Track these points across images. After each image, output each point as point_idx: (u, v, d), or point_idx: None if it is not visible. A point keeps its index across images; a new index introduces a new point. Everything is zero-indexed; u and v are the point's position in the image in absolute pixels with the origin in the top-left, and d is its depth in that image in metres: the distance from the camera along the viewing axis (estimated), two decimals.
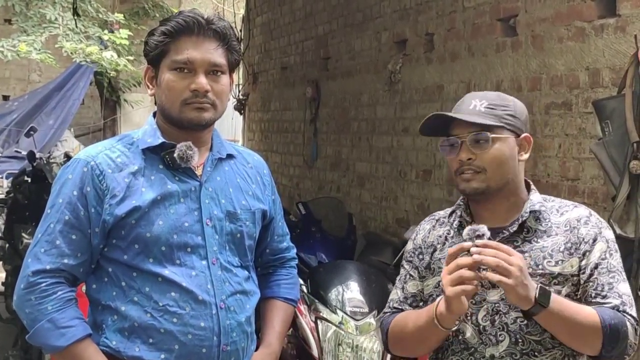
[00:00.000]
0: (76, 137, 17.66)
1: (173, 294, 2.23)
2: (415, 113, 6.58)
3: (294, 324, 3.79)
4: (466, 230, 2.10)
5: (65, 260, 2.23)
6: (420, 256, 2.38)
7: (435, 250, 2.33)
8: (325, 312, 3.69)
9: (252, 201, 2.44)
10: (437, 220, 2.39)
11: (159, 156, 2.31)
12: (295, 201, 7.70)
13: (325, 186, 8.49)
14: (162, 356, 2.22)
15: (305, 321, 3.71)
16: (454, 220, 2.33)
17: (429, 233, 2.38)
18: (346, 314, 3.67)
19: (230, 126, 14.89)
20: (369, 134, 7.48)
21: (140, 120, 19.12)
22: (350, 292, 3.77)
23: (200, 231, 2.27)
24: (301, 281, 3.92)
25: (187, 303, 2.23)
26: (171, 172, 2.30)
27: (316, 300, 3.74)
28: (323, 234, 6.45)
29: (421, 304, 2.32)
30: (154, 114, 2.42)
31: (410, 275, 2.37)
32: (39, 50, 13.44)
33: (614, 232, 3.87)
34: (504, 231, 2.22)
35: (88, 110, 18.75)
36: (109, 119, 18.51)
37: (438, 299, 2.15)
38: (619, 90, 4.01)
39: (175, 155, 2.28)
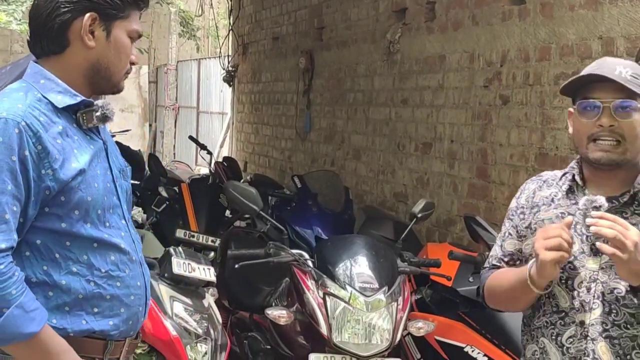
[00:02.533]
0: None
1: (112, 257, 2.16)
2: (415, 84, 6.43)
3: (301, 300, 3.65)
4: (583, 200, 2.15)
5: (15, 236, 2.02)
6: (522, 215, 2.35)
7: (539, 210, 2.31)
8: (333, 288, 3.55)
9: (120, 157, 2.38)
10: (544, 182, 2.36)
11: (70, 115, 2.15)
12: (288, 175, 7.54)
13: (319, 159, 8.34)
14: (111, 322, 2.16)
15: (313, 297, 3.57)
16: (563, 184, 2.30)
17: (534, 193, 2.35)
18: (355, 289, 3.53)
19: (218, 99, 14.67)
20: (366, 105, 7.32)
21: (124, 93, 18.86)
22: (359, 267, 3.62)
23: (115, 190, 2.22)
24: (306, 255, 3.78)
25: (126, 265, 2.20)
26: (83, 131, 2.18)
27: (324, 276, 3.60)
28: (319, 208, 6.32)
29: (518, 262, 2.35)
30: (37, 68, 2.18)
31: (510, 233, 2.37)
32: (20, 20, 13.14)
33: None
34: (614, 201, 2.19)
35: None
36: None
37: (532, 260, 2.16)
38: (635, 60, 3.87)
39: (98, 114, 2.17)
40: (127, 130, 13.00)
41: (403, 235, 4.07)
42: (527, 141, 5.00)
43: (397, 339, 3.55)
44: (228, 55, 11.70)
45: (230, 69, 11.55)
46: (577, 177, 2.27)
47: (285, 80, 9.43)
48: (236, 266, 3.70)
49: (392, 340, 3.51)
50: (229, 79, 11.64)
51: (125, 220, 2.25)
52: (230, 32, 11.59)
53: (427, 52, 6.23)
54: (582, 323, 2.17)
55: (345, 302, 3.50)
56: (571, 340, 2.18)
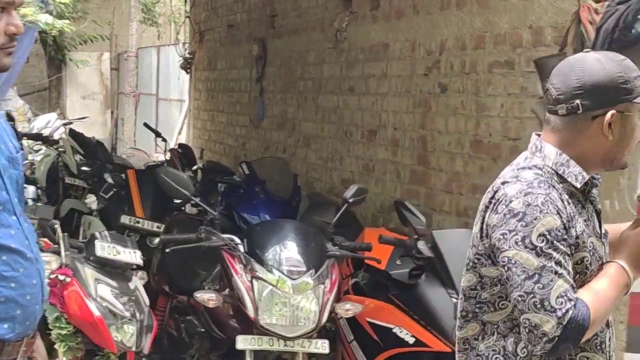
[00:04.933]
0: (20, 96, 17.26)
1: (4, 257, 2.06)
2: (361, 72, 6.51)
3: (230, 283, 3.73)
4: None
5: None
6: (570, 230, 2.07)
7: (574, 220, 2.07)
8: (261, 272, 3.63)
9: (14, 142, 2.21)
10: (553, 187, 2.06)
11: None
12: (241, 161, 7.60)
13: (272, 146, 8.40)
14: (6, 325, 2.08)
15: (241, 281, 3.65)
16: (564, 186, 2.10)
17: (562, 203, 2.06)
18: (283, 273, 3.62)
19: (176, 85, 14.66)
20: (315, 93, 7.39)
21: (85, 80, 18.77)
22: (287, 251, 3.71)
23: (3, 185, 2.08)
24: (238, 240, 3.85)
25: (20, 264, 2.09)
26: None
27: (252, 260, 3.68)
28: (267, 195, 6.39)
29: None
30: None
31: (568, 255, 2.04)
32: None
33: None
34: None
35: (33, 69, 18.29)
36: (54, 78, 18.11)
37: (612, 266, 2.07)
38: (560, 48, 3.98)
39: None
40: (84, 118, 12.99)
41: (334, 220, 4.16)
42: (463, 128, 5.11)
43: (323, 320, 3.65)
44: (184, 43, 11.69)
45: (187, 56, 11.56)
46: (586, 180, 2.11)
47: (239, 68, 9.47)
48: (167, 250, 3.76)
49: (319, 321, 3.60)
50: (186, 66, 11.64)
51: (17, 216, 2.11)
52: (187, 19, 11.59)
53: (372, 40, 6.31)
54: (607, 323, 2.18)
55: (272, 285, 3.59)
56: (609, 343, 2.19)
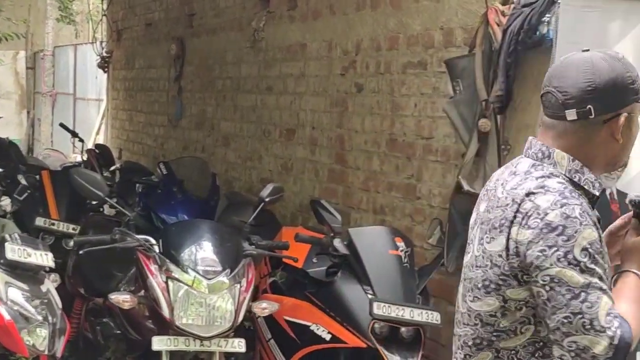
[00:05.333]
0: None
1: None
2: (279, 72, 6.54)
3: (145, 284, 3.71)
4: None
5: None
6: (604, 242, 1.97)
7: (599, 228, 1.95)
8: (176, 272, 3.63)
9: None
10: (580, 195, 1.93)
11: None
12: (159, 161, 7.53)
13: (190, 146, 8.36)
14: None
15: (156, 281, 3.64)
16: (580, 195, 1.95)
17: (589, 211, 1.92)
18: (198, 273, 3.62)
19: (94, 85, 14.42)
20: (234, 92, 7.39)
21: (0, 79, 18.27)
22: (203, 251, 3.71)
23: None
24: (153, 240, 3.83)
25: None
26: None
27: (167, 260, 3.67)
28: (185, 195, 6.36)
29: None
30: None
31: (605, 269, 1.89)
32: None
33: (462, 188, 4.00)
34: None
35: None
36: None
37: (628, 276, 1.94)
38: (469, 49, 4.09)
39: None
40: None
41: (251, 219, 4.18)
42: (379, 127, 5.18)
43: (239, 319, 3.66)
44: (102, 42, 11.52)
45: (104, 55, 11.39)
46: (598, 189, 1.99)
47: (157, 67, 9.38)
48: (81, 252, 3.72)
49: (235, 321, 3.62)
50: (104, 65, 11.48)
51: None
52: (105, 17, 11.41)
53: (290, 40, 6.35)
54: None
55: (188, 285, 3.58)
56: None
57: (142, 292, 3.79)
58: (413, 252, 4.04)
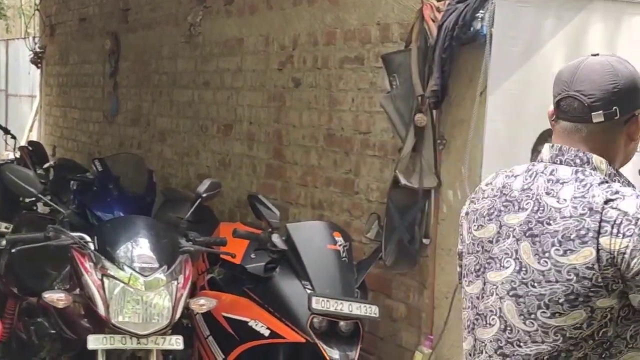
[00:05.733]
0: None
1: None
2: (216, 67, 6.50)
3: (81, 282, 3.65)
4: None
5: None
6: None
7: None
8: (112, 269, 3.57)
9: None
10: None
11: None
12: (94, 158, 7.41)
13: (126, 142, 8.25)
14: None
15: (91, 279, 3.58)
16: None
17: None
18: (134, 270, 3.57)
19: (27, 81, 14.11)
20: (170, 88, 7.32)
21: None
22: (139, 248, 3.66)
23: None
24: (88, 238, 3.77)
25: None
26: None
27: (103, 258, 3.61)
28: (121, 192, 6.25)
29: None
30: None
31: None
32: None
33: (399, 182, 4.03)
34: None
35: None
36: None
37: None
38: (405, 45, 4.12)
39: None
40: None
41: (188, 215, 4.14)
42: (317, 122, 5.19)
43: (177, 316, 3.62)
44: (34, 37, 11.28)
45: (37, 50, 11.15)
46: None
47: (92, 62, 9.23)
48: (13, 250, 3.64)
49: (172, 318, 3.58)
50: (37, 60, 11.24)
51: None
52: (37, 12, 11.17)
53: (227, 35, 6.31)
54: None
55: (124, 282, 3.54)
56: None
57: (77, 291, 3.72)
58: (351, 247, 4.06)
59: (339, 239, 3.98)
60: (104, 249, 3.65)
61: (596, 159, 1.94)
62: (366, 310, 3.80)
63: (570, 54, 3.48)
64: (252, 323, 3.96)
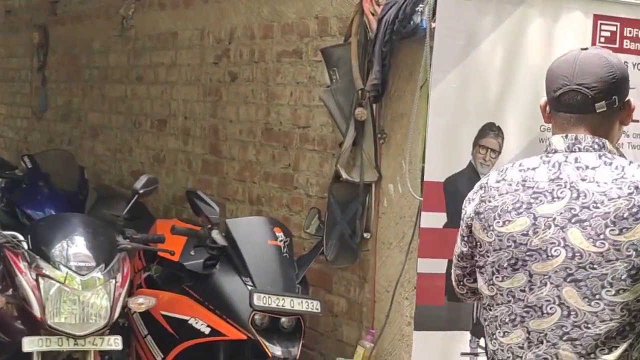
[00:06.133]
0: None
1: None
2: (149, 61, 6.40)
3: (14, 283, 3.53)
4: None
5: None
6: None
7: None
8: (47, 269, 3.47)
9: None
10: None
11: None
12: (23, 155, 7.22)
13: (56, 138, 8.06)
14: None
15: (26, 279, 3.47)
16: None
17: None
18: (71, 269, 3.48)
19: None
20: (101, 82, 7.17)
21: None
22: (75, 246, 3.57)
23: None
24: (21, 237, 3.65)
25: None
26: None
27: (37, 257, 3.50)
28: (52, 189, 6.14)
29: None
30: None
31: None
32: None
33: (340, 177, 4.01)
34: None
35: None
36: None
37: None
38: (345, 38, 4.09)
39: None
40: None
41: (124, 212, 4.05)
42: (254, 117, 5.14)
43: (115, 316, 3.54)
44: None
45: None
46: None
47: (19, 56, 8.98)
48: None
49: (110, 317, 3.50)
50: None
51: None
52: None
53: (160, 28, 6.21)
54: None
55: (60, 282, 3.44)
56: None
57: (10, 291, 3.60)
58: (292, 242, 4.03)
59: (280, 235, 3.95)
60: (38, 248, 3.54)
61: (608, 144, 2.06)
62: (308, 305, 3.78)
63: (511, 48, 3.53)
64: (192, 321, 3.90)
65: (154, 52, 6.32)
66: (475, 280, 2.23)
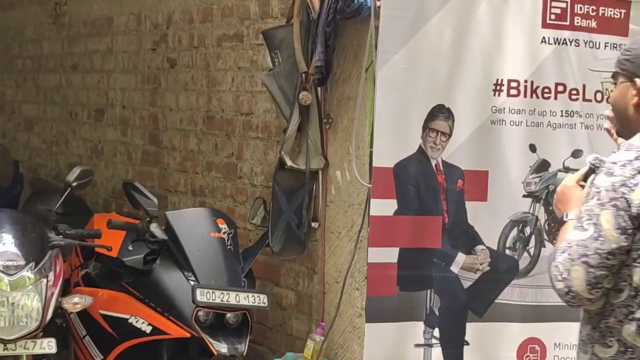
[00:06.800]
0: None
1: None
2: (84, 48, 6.20)
3: None
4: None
5: None
6: None
7: None
8: None
9: None
10: None
11: None
12: None
13: None
14: None
15: None
16: None
17: None
18: None
19: None
20: (35, 72, 6.96)
21: None
22: (2, 244, 3.36)
23: None
24: None
25: None
26: None
27: None
28: None
29: None
30: None
31: None
32: None
33: (285, 164, 3.85)
34: None
35: None
36: None
37: None
38: (287, 20, 3.94)
39: None
40: None
41: (57, 206, 3.83)
42: (195, 105, 4.97)
43: (47, 317, 3.35)
44: None
45: None
46: None
47: None
48: None
49: (43, 319, 3.31)
50: None
51: None
52: None
53: (95, 14, 6.02)
54: None
55: None
56: None
57: None
58: (237, 234, 3.88)
59: (223, 226, 3.80)
60: None
61: None
62: (254, 300, 3.66)
63: (460, 26, 3.40)
64: (132, 320, 3.73)
65: (89, 39, 6.11)
66: (611, 281, 2.03)
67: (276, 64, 3.89)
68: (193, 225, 3.80)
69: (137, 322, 3.71)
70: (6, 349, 3.26)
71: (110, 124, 5.91)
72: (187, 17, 4.99)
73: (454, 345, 3.52)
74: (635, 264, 2.01)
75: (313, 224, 3.97)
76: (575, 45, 3.55)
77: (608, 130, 2.35)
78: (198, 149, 4.95)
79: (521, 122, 3.53)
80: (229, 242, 3.77)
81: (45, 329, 3.43)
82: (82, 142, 6.31)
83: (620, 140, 2.23)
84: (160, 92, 5.30)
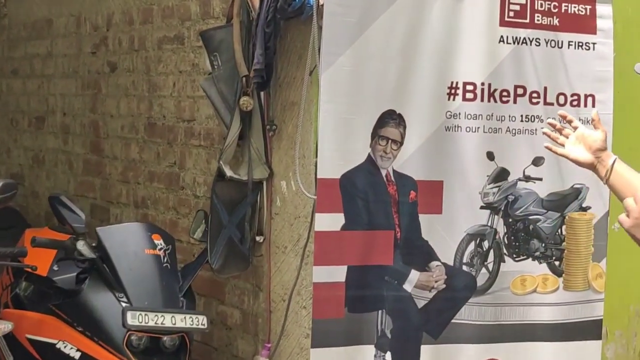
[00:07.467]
0: None
1: None
2: (24, 52, 5.96)
3: None
4: None
5: None
6: None
7: None
8: None
9: None
10: None
11: None
12: None
13: None
14: None
15: None
16: None
17: None
18: None
19: None
20: None
21: None
22: None
23: None
24: None
25: None
26: None
27: None
28: None
29: None
30: None
31: None
32: None
33: (225, 175, 3.58)
34: None
35: None
36: None
37: None
38: (227, 20, 3.70)
39: None
40: None
41: None
42: (136, 111, 4.72)
43: None
44: None
45: None
46: None
47: None
48: None
49: None
50: None
51: None
52: None
53: (35, 15, 5.78)
54: None
55: None
56: None
57: None
58: (175, 250, 3.63)
59: (159, 242, 3.55)
60: None
61: None
62: (192, 321, 3.41)
63: (411, 24, 3.13)
64: (60, 345, 3.47)
65: (29, 42, 5.86)
66: None
67: (215, 67, 3.63)
68: (125, 242, 3.54)
69: (65, 347, 3.45)
70: None
71: (51, 131, 5.64)
72: (127, 19, 4.74)
73: None
74: None
75: (258, 238, 3.72)
76: (536, 45, 3.31)
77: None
78: (140, 157, 4.68)
79: (478, 128, 3.27)
80: (165, 260, 3.52)
81: None
82: (24, 151, 6.03)
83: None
84: (101, 98, 5.04)
